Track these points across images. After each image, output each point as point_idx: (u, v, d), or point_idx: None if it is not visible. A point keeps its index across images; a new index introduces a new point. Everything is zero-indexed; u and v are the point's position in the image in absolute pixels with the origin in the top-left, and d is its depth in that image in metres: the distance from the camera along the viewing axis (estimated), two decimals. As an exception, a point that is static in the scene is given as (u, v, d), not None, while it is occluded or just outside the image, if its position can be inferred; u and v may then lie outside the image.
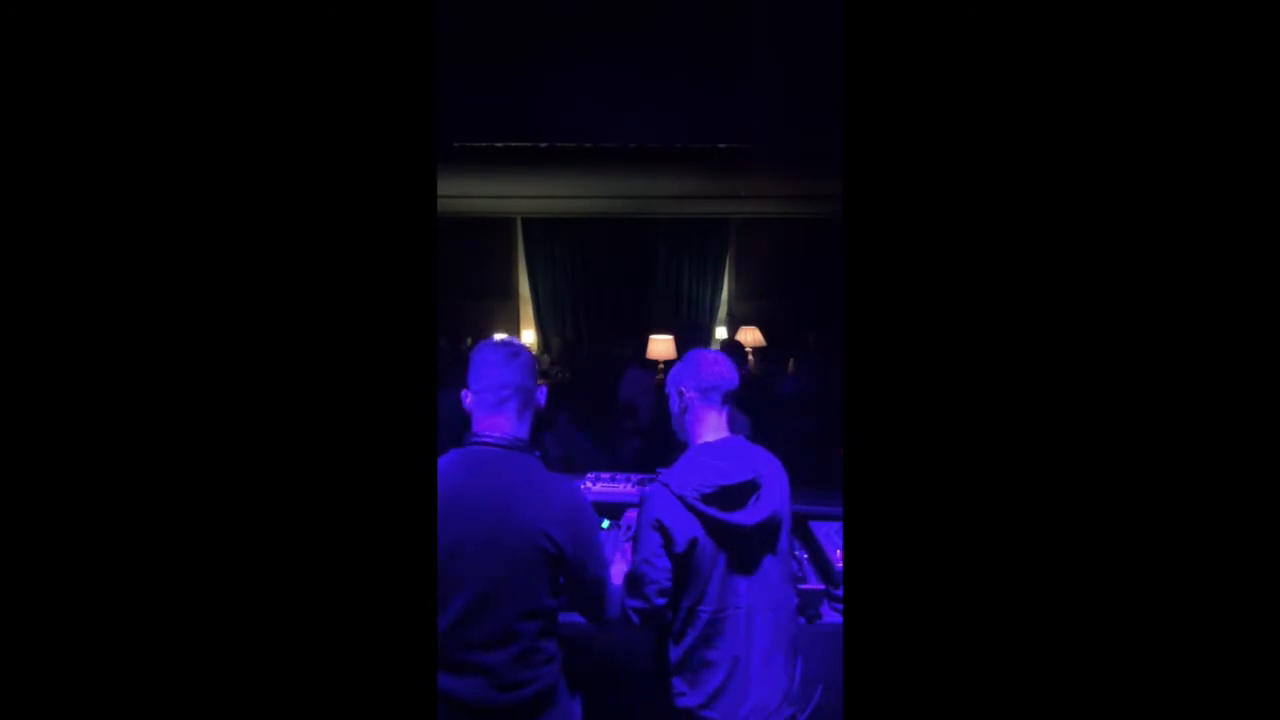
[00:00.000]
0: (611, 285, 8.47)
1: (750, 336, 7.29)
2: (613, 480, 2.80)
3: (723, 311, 8.62)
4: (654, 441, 4.12)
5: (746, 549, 1.66)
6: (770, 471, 1.71)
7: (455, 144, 4.93)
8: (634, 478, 2.82)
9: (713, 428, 1.74)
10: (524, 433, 1.59)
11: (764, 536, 1.68)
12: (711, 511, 1.61)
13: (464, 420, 1.59)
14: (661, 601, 1.62)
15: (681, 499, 1.62)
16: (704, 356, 1.79)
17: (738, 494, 1.64)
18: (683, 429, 1.79)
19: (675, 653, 1.65)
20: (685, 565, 1.61)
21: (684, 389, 1.76)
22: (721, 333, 8.42)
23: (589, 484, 2.76)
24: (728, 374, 1.75)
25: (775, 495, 1.69)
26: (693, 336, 8.22)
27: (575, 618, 1.66)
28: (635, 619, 1.63)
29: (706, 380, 1.73)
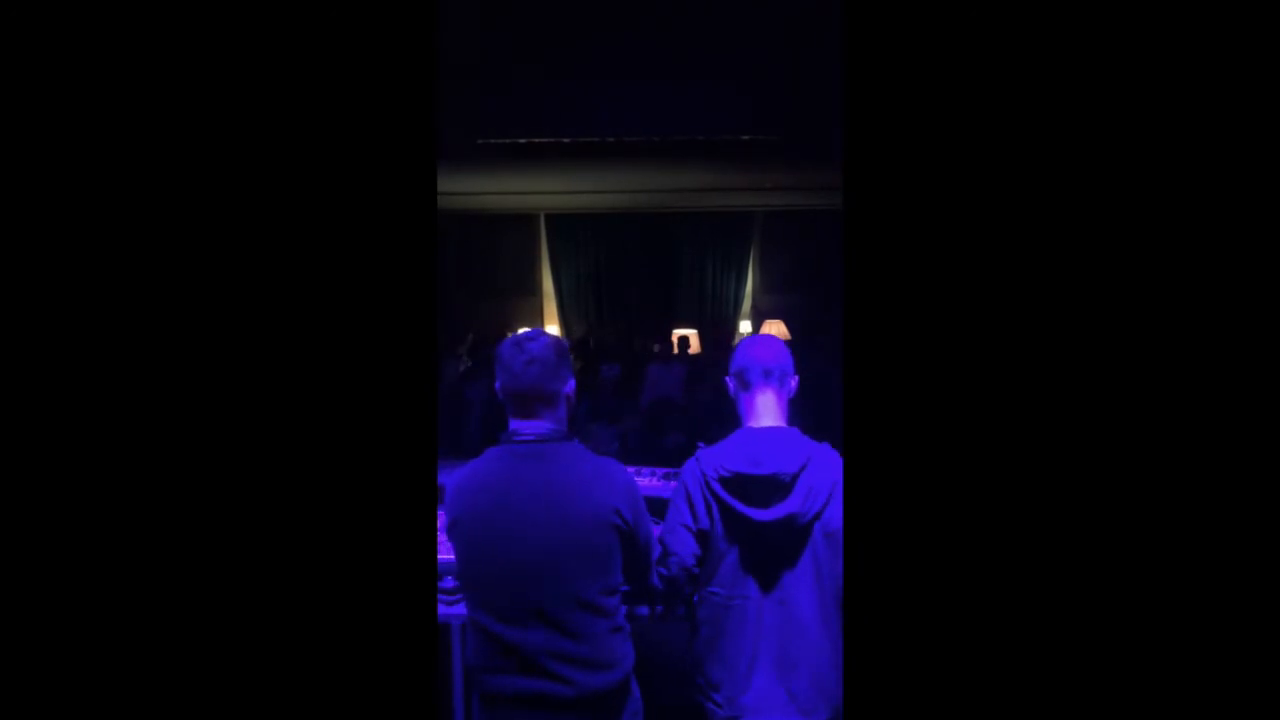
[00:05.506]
0: (635, 280, 8.46)
1: (775, 330, 7.25)
2: (637, 474, 2.80)
3: (747, 305, 8.58)
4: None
5: (763, 542, 1.63)
6: (816, 468, 1.62)
7: (479, 140, 4.96)
8: (659, 471, 2.82)
9: (763, 412, 1.68)
10: (561, 426, 1.60)
11: (785, 533, 1.63)
12: (725, 496, 1.60)
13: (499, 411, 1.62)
14: (680, 574, 1.65)
15: (704, 476, 1.63)
16: (750, 339, 1.78)
17: (758, 486, 1.60)
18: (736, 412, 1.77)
19: (696, 630, 1.69)
20: (703, 542, 1.65)
21: (732, 371, 1.74)
22: (746, 326, 8.39)
23: None
24: (767, 355, 1.69)
25: (808, 494, 1.61)
26: (717, 330, 8.21)
27: None
28: (659, 583, 1.67)
29: (747, 361, 1.70)
